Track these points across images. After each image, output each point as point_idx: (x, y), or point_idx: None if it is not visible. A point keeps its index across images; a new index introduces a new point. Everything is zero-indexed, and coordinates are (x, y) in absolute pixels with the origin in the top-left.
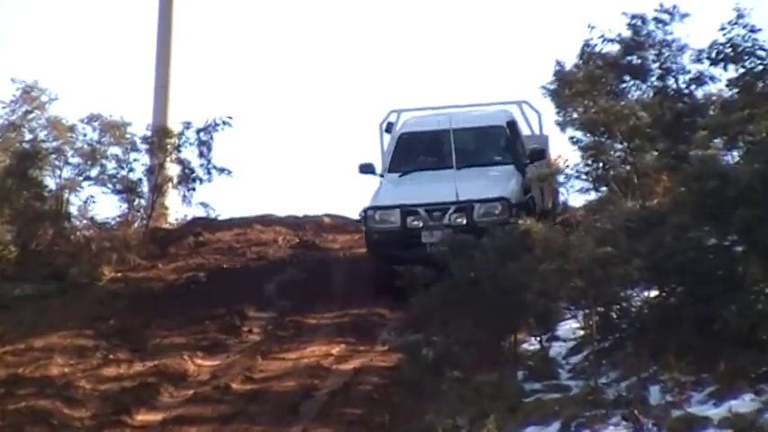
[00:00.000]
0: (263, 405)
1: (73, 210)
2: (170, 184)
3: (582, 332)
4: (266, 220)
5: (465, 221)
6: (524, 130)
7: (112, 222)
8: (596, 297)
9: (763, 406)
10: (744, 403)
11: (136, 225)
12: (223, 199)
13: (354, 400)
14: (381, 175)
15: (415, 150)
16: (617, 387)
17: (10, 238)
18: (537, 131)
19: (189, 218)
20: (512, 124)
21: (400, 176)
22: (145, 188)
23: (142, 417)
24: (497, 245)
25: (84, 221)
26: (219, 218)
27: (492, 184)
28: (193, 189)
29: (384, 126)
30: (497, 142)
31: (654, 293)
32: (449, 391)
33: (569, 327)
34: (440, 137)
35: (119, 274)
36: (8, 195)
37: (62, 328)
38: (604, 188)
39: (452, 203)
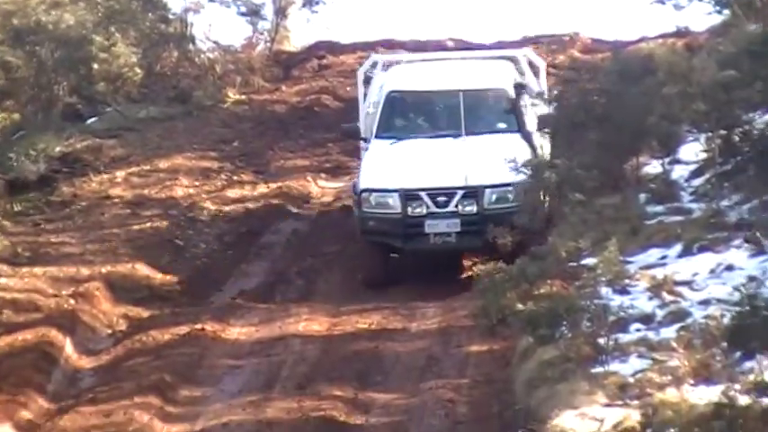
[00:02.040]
0: None
1: (197, 32)
2: (293, 7)
3: (704, 155)
4: (389, 44)
5: (475, 209)
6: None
7: (236, 45)
8: (718, 120)
9: None
10: None
11: (260, 48)
12: (347, 23)
13: None
14: (364, 139)
15: (406, 112)
16: (739, 210)
17: (135, 61)
18: (536, 86)
19: (312, 41)
20: (519, 86)
21: (392, 144)
22: (269, 11)
23: (266, 239)
24: (620, 68)
25: (209, 44)
26: (342, 41)
27: (503, 163)
28: (316, 12)
29: (363, 76)
30: (502, 106)
31: None
32: (571, 214)
33: (691, 150)
34: (435, 98)
35: (243, 97)
36: (133, 18)
37: (186, 150)
38: (727, 11)
39: (460, 188)
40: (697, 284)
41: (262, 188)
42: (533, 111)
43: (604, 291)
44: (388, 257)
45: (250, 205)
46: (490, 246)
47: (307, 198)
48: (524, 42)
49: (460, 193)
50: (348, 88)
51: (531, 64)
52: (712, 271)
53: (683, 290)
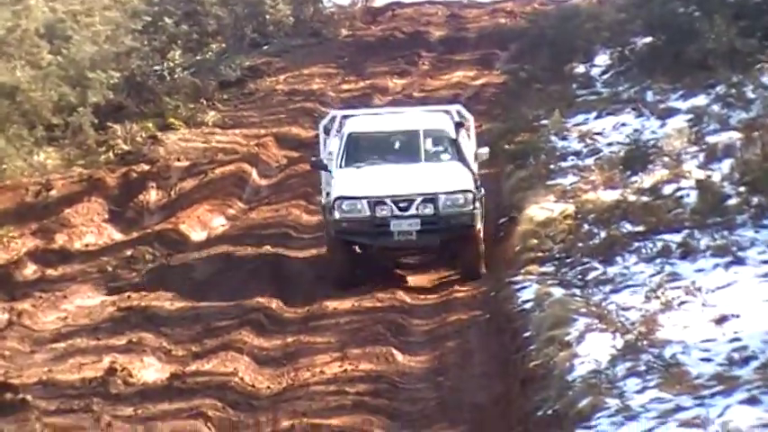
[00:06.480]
0: None
1: None
2: None
3: (609, 61)
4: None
5: (432, 212)
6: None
7: (346, 3)
8: (616, 42)
9: (711, 102)
10: (699, 99)
11: (359, 5)
12: None
13: (481, 100)
14: (330, 171)
15: (365, 148)
16: (628, 92)
17: (289, 13)
18: (468, 135)
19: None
20: (458, 124)
21: (357, 167)
22: None
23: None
24: (561, 14)
25: (331, 2)
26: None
27: (452, 176)
28: None
29: (323, 128)
30: (445, 142)
31: (648, 39)
32: (534, 96)
33: (602, 59)
34: (390, 137)
35: (349, 32)
36: None
37: (318, 63)
38: None
39: (419, 195)
40: (605, 134)
41: (360, 84)
42: (469, 145)
43: (553, 138)
44: (353, 261)
45: (355, 93)
46: (445, 245)
47: (386, 90)
48: None
49: (420, 198)
50: (410, 27)
51: (461, 116)
52: (614, 126)
53: (598, 137)
